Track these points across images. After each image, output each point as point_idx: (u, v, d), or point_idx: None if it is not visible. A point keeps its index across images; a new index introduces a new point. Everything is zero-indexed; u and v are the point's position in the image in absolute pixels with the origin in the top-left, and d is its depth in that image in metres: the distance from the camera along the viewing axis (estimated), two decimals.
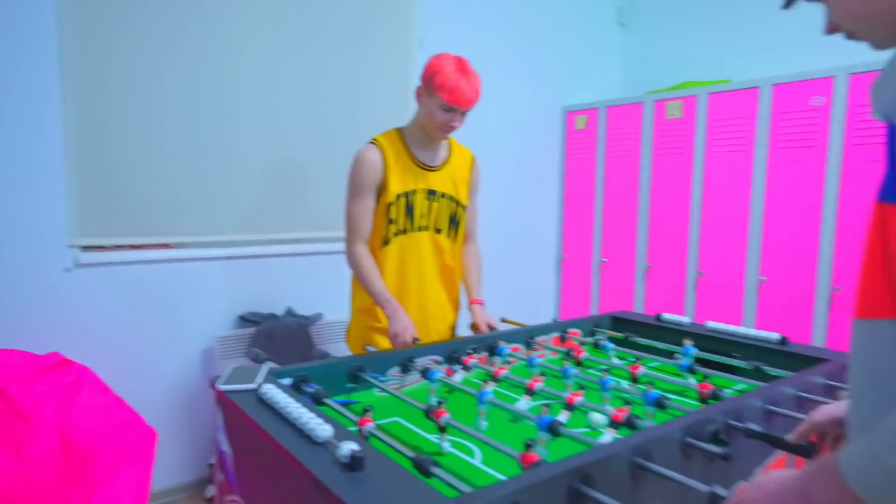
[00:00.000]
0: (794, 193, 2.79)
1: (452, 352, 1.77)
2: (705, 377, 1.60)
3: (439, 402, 1.29)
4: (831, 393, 1.54)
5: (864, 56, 2.45)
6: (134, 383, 2.55)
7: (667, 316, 2.06)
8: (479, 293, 2.18)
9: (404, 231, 2.00)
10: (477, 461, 1.26)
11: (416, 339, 1.83)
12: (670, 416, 1.38)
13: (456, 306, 2.20)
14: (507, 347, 1.79)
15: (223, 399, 1.30)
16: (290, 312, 2.90)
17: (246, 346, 2.70)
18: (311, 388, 1.46)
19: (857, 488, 0.73)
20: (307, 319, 2.86)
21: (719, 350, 1.85)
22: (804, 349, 1.74)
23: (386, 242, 1.99)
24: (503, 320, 2.18)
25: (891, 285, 0.74)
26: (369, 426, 1.23)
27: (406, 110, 3.22)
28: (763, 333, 1.81)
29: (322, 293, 3.00)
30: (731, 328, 1.88)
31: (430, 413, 1.30)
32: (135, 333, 2.56)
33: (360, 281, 1.98)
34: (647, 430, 1.16)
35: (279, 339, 2.73)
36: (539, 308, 3.90)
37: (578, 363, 1.77)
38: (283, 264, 2.91)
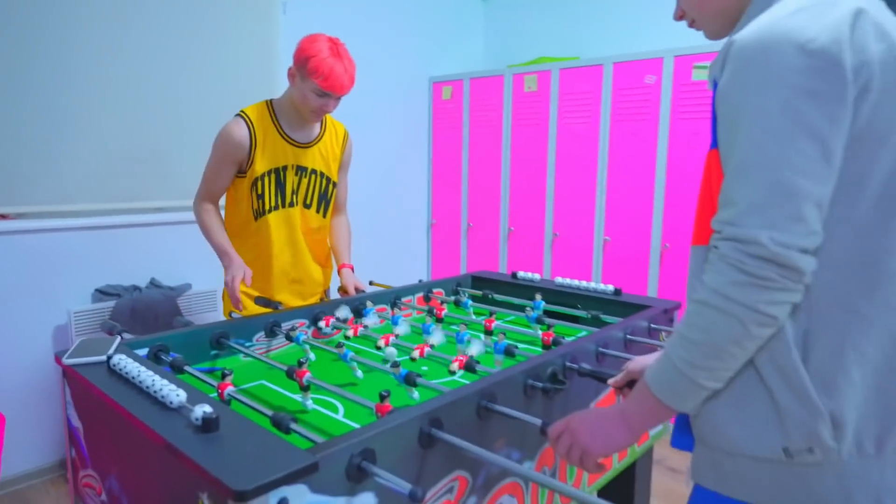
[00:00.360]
0: (631, 161, 3.03)
1: (318, 314, 1.76)
2: (549, 327, 1.71)
3: (300, 363, 1.28)
4: (652, 334, 1.72)
5: (687, 41, 2.70)
6: None
7: (521, 274, 2.18)
8: (348, 258, 2.18)
9: (276, 207, 1.93)
10: (340, 416, 1.28)
11: (275, 304, 1.79)
12: (517, 362, 1.47)
13: (328, 274, 2.18)
14: (373, 308, 1.81)
15: (70, 373, 1.21)
16: (154, 283, 2.73)
17: (103, 322, 2.51)
18: (170, 357, 1.40)
19: (655, 389, 0.84)
20: (173, 290, 2.71)
21: (565, 303, 1.99)
22: (634, 299, 1.91)
23: (256, 218, 1.92)
24: (371, 283, 2.19)
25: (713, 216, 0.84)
26: (230, 390, 1.20)
27: (270, 78, 3.08)
28: (601, 286, 1.97)
29: (189, 262, 2.84)
30: (575, 283, 2.02)
31: (291, 373, 1.29)
32: None
33: (203, 234, 1.90)
34: (491, 374, 1.23)
35: (143, 311, 2.56)
36: (412, 271, 3.95)
37: (439, 320, 1.83)
38: (144, 234, 2.72)
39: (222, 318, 2.09)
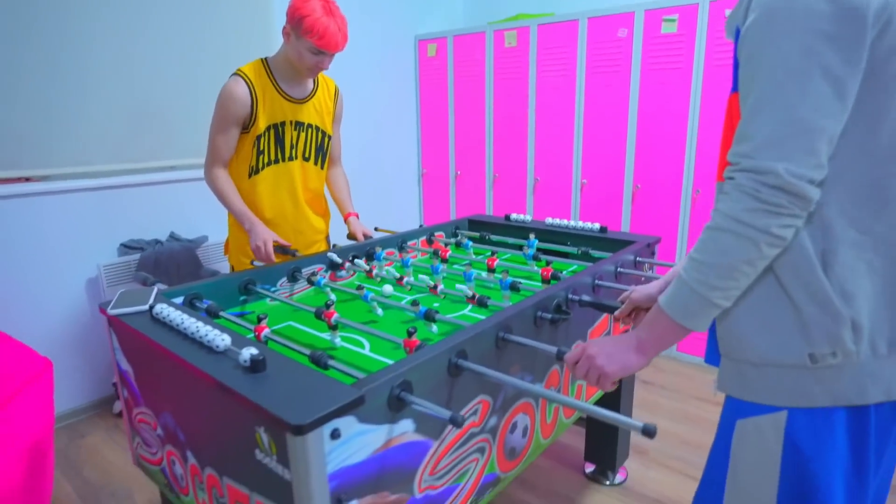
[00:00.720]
0: (606, 110, 2.95)
1: (334, 259, 1.71)
2: (548, 263, 1.69)
3: (328, 304, 1.24)
4: (638, 266, 1.71)
5: None
6: (18, 320, 2.21)
7: (514, 216, 2.13)
8: (351, 207, 2.11)
9: (276, 161, 1.84)
10: (366, 351, 1.25)
11: (292, 251, 1.73)
12: (523, 296, 1.45)
13: (327, 221, 2.11)
14: (383, 252, 1.76)
15: (115, 323, 1.16)
16: (173, 237, 2.63)
17: (133, 273, 2.43)
18: (204, 304, 1.35)
19: (670, 311, 0.82)
20: (192, 242, 2.62)
21: (556, 240, 1.96)
22: (619, 235, 1.89)
23: (256, 172, 1.83)
24: (377, 229, 2.13)
25: None
26: (266, 332, 1.16)
27: (265, 35, 2.90)
28: (588, 225, 1.93)
29: (204, 216, 2.74)
30: (564, 222, 1.99)
31: (320, 315, 1.26)
32: (10, 270, 2.19)
33: (220, 200, 1.81)
34: (505, 308, 1.21)
35: (166, 262, 2.48)
36: (405, 219, 3.89)
37: (445, 260, 1.79)
38: (160, 192, 2.60)
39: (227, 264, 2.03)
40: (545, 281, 1.54)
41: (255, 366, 0.89)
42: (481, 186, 3.59)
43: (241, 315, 1.45)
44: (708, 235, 0.78)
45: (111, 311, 1.14)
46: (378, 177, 3.66)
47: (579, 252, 1.82)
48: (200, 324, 1.02)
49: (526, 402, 1.25)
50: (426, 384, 0.96)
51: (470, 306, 1.47)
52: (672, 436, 2.23)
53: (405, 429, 0.93)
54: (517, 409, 1.22)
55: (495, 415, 1.15)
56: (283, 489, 0.81)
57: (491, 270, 1.66)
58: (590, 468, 2.01)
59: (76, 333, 2.40)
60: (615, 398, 1.82)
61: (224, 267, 2.69)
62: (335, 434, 0.80)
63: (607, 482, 1.95)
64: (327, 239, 2.12)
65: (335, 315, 1.23)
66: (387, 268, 1.70)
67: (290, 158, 1.86)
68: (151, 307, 1.14)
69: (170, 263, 2.48)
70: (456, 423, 0.82)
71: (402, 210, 3.89)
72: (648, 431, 0.78)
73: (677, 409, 2.43)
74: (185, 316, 1.06)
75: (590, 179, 3.07)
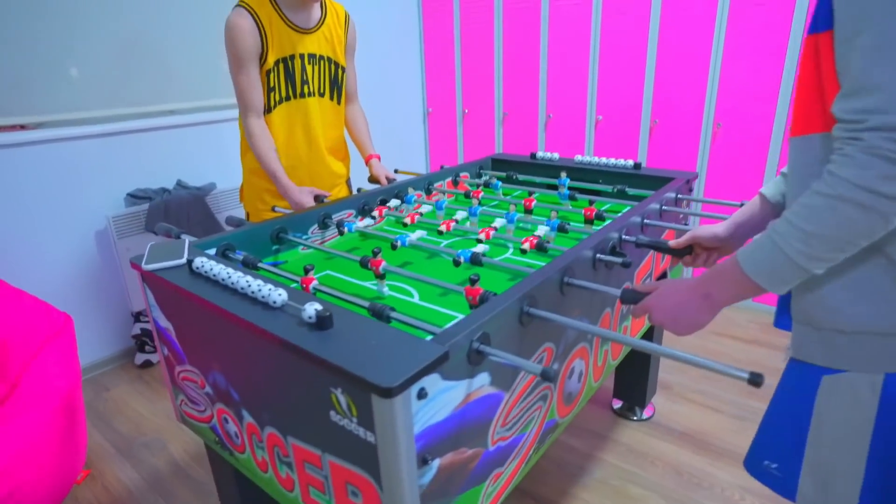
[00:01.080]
0: (623, 40, 2.76)
1: (364, 204, 1.60)
2: (591, 202, 1.59)
3: (375, 252, 1.15)
4: (679, 203, 1.62)
5: None
6: (32, 276, 2.10)
7: (540, 154, 2.01)
8: (372, 148, 1.97)
9: (287, 98, 1.68)
10: (416, 299, 1.17)
11: (323, 198, 1.62)
12: (571, 238, 1.37)
13: (347, 164, 1.98)
14: (413, 195, 1.66)
15: (151, 278, 1.06)
16: (181, 185, 2.49)
17: (142, 224, 2.30)
18: (238, 255, 1.25)
19: (753, 273, 0.73)
20: (200, 190, 2.48)
21: (586, 178, 1.85)
22: (654, 172, 1.78)
23: (268, 111, 1.68)
24: (397, 171, 2.01)
25: (822, 105, 0.69)
26: (314, 284, 1.07)
27: None
28: (621, 161, 1.83)
29: (210, 163, 2.58)
30: (596, 159, 1.88)
31: (366, 263, 1.16)
32: (17, 225, 2.05)
33: (254, 153, 1.68)
34: (566, 253, 1.12)
35: (176, 211, 2.35)
36: (411, 161, 3.73)
37: (478, 202, 1.69)
38: (163, 138, 2.43)
39: (242, 211, 1.92)
40: (587, 221, 1.45)
41: (322, 322, 0.80)
42: (490, 125, 3.42)
43: (275, 265, 1.36)
44: (823, 203, 0.65)
45: (146, 267, 1.04)
46: (380, 117, 3.46)
47: (614, 190, 1.73)
48: (250, 278, 0.93)
49: (582, 347, 1.19)
50: (499, 335, 0.89)
51: (511, 249, 1.39)
52: (694, 370, 2.22)
53: (482, 382, 0.86)
54: (575, 353, 1.17)
55: (557, 361, 1.09)
56: (365, 451, 0.75)
57: (528, 211, 1.57)
58: (617, 404, 2.01)
59: (90, 287, 2.30)
60: (649, 332, 1.78)
61: (236, 215, 2.57)
62: (422, 394, 0.73)
63: (634, 417, 1.95)
64: (348, 182, 2.00)
65: (383, 263, 1.14)
66: (419, 210, 1.60)
67: (304, 95, 1.71)
68: (190, 261, 1.04)
69: (180, 212, 2.35)
70: (548, 377, 0.75)
71: (407, 152, 3.73)
72: (755, 381, 0.72)
73: (697, 344, 2.42)
74: (232, 270, 0.96)
75: (605, 115, 2.93)
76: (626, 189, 1.70)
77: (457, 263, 1.16)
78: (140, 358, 2.38)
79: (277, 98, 1.67)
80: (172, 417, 2.02)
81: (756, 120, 2.47)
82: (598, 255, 1.15)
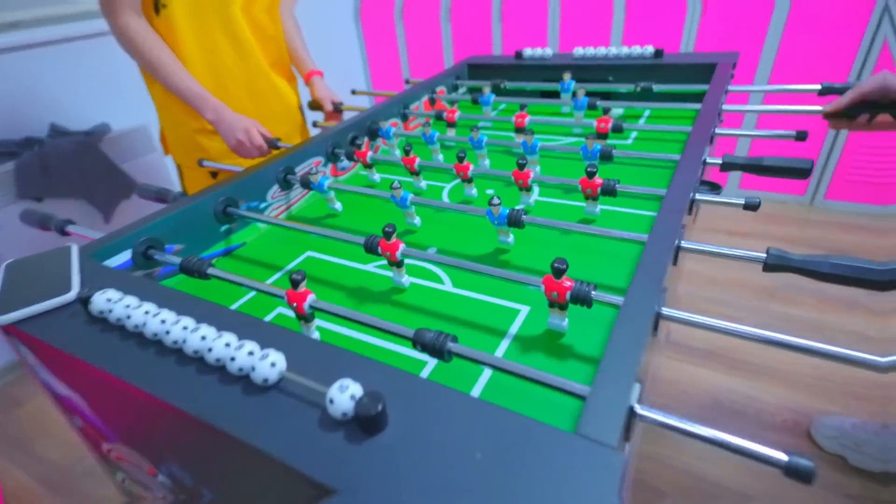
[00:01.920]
0: None
1: (333, 147, 1.13)
2: (605, 111, 1.20)
3: (387, 232, 0.73)
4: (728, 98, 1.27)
5: None
6: None
7: (528, 51, 1.57)
8: (312, 62, 1.46)
9: None
10: (448, 286, 0.79)
11: (275, 141, 1.14)
12: (617, 165, 1.01)
13: (295, 86, 1.46)
14: (390, 127, 1.20)
15: (24, 338, 0.60)
16: (56, 131, 1.84)
17: (9, 193, 1.68)
18: (168, 251, 0.80)
19: None
20: (89, 135, 1.85)
21: (592, 78, 1.45)
22: (679, 58, 1.40)
23: (165, 6, 1.11)
24: (354, 92, 1.52)
25: None
26: (310, 300, 0.65)
27: None
28: (636, 49, 1.42)
29: (95, 96, 1.93)
30: (602, 51, 1.46)
31: (373, 247, 0.75)
32: None
33: (148, 72, 1.13)
34: (667, 195, 0.76)
35: (60, 169, 1.73)
36: (348, 69, 3.10)
37: (453, 124, 1.27)
38: (13, 64, 1.74)
39: (171, 164, 1.40)
40: (600, 136, 1.08)
41: (369, 424, 0.41)
42: (487, 19, 2.83)
43: (229, 252, 0.91)
44: None
45: (6, 319, 0.58)
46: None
47: (637, 89, 1.33)
48: (208, 330, 0.50)
49: None
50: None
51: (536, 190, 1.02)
52: (698, 275, 2.05)
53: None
54: None
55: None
56: None
57: (519, 130, 1.18)
58: None
59: None
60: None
61: (154, 164, 1.97)
62: None
63: None
64: (302, 113, 1.49)
65: (401, 247, 0.74)
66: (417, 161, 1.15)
67: None
68: (84, 296, 0.58)
69: (67, 169, 1.74)
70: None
71: (338, 58, 3.09)
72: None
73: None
74: (170, 314, 0.53)
75: None
76: (653, 87, 1.32)
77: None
78: None
79: None
80: None
81: None
82: (695, 197, 0.80)
